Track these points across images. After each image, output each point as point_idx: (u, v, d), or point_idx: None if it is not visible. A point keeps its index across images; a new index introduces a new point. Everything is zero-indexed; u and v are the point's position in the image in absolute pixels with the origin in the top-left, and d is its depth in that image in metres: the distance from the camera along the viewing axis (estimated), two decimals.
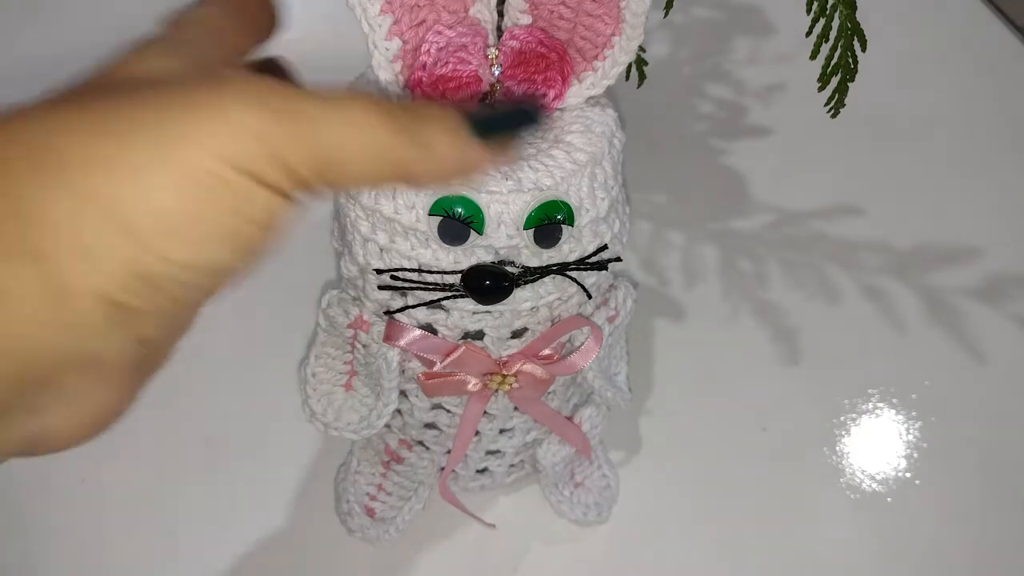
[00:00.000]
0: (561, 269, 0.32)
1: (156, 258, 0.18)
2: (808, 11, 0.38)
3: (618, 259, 0.33)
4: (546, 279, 0.32)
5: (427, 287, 0.31)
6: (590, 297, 0.34)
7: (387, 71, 0.29)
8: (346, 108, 0.20)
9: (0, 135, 0.18)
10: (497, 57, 0.31)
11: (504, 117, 0.23)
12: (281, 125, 0.19)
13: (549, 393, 0.38)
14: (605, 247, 0.32)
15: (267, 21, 0.26)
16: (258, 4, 0.25)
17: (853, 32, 0.38)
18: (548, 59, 0.31)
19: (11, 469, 0.45)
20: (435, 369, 0.34)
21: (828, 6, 0.37)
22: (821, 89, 0.40)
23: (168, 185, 0.18)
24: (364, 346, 0.36)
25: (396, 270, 0.31)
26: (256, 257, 0.20)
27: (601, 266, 0.32)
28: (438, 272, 0.31)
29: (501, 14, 0.31)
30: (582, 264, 0.32)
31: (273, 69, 0.27)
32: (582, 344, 0.34)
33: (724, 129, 0.63)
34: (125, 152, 0.18)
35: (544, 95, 0.31)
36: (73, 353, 0.18)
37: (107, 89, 0.20)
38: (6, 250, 0.17)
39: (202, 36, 0.24)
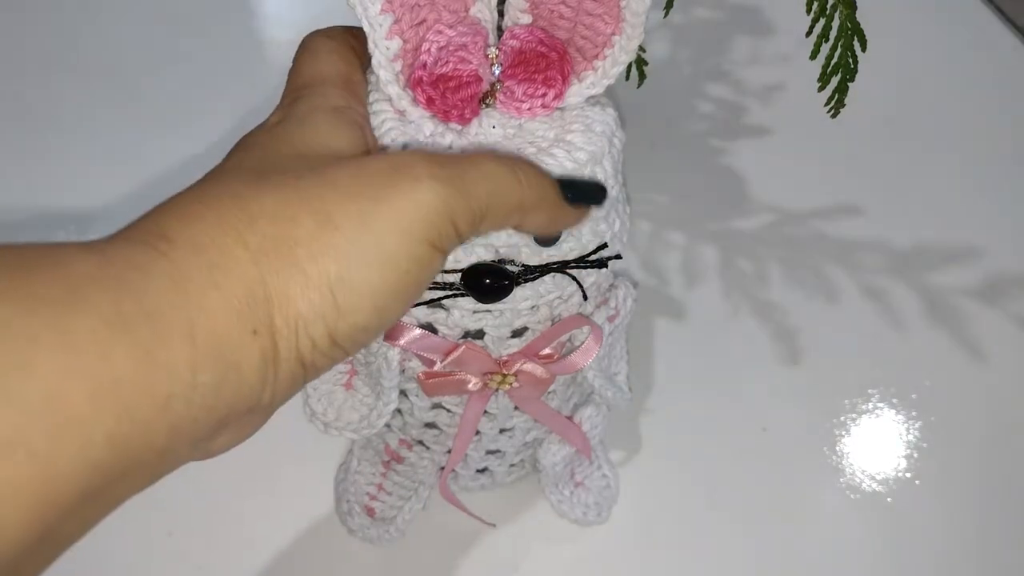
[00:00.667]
0: (561, 267, 0.32)
1: (348, 325, 0.22)
2: (808, 11, 0.38)
3: (618, 257, 0.33)
4: (546, 278, 0.32)
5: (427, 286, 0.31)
6: (586, 298, 0.34)
7: (387, 70, 0.29)
8: (484, 165, 0.25)
9: (249, 225, 0.22)
10: (497, 56, 0.31)
11: (584, 188, 0.29)
12: (455, 197, 0.23)
13: (549, 393, 0.38)
14: (605, 245, 0.32)
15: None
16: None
17: (853, 32, 0.38)
18: (548, 58, 0.31)
19: None
20: (435, 368, 0.34)
21: (828, 6, 0.37)
22: (821, 89, 0.40)
23: (371, 265, 0.22)
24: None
25: None
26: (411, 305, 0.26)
27: (601, 264, 0.32)
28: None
29: (501, 13, 0.31)
30: (582, 262, 0.32)
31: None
32: (582, 343, 0.34)
33: (724, 129, 0.63)
34: (338, 240, 0.22)
35: (531, 106, 0.32)
36: (264, 402, 0.23)
37: (309, 171, 0.24)
38: (251, 321, 0.21)
39: (349, 97, 0.28)
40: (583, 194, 0.29)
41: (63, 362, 0.18)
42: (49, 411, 0.18)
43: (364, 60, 0.30)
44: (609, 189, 0.32)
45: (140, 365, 0.19)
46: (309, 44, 0.29)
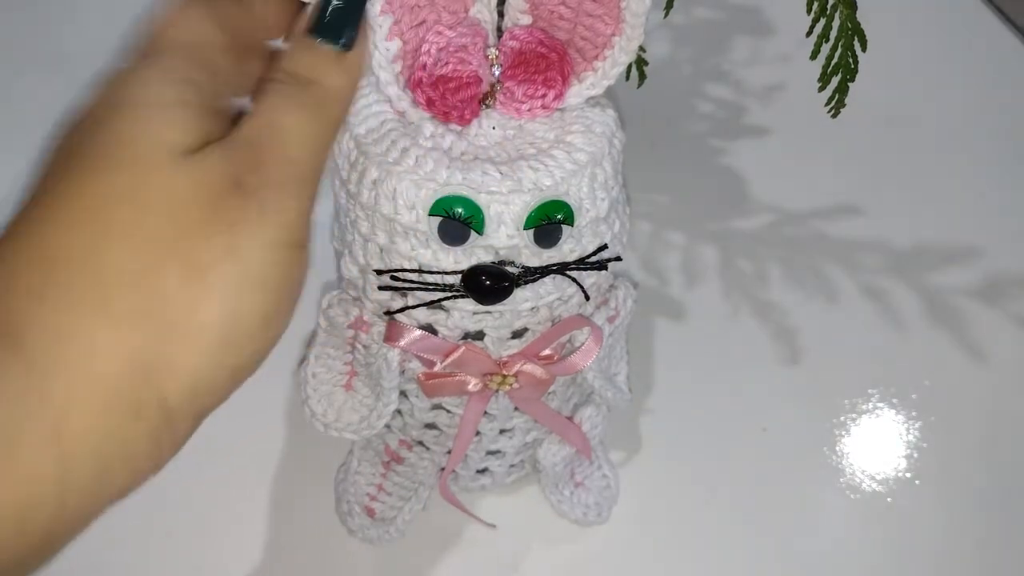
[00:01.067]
0: (561, 269, 0.32)
1: (240, 357, 0.22)
2: (808, 11, 0.38)
3: (618, 259, 0.33)
4: (546, 279, 0.32)
5: (427, 287, 0.31)
6: (588, 299, 0.34)
7: (387, 71, 0.29)
8: (275, 137, 0.23)
9: (101, 289, 0.19)
10: (497, 57, 0.31)
11: (340, 12, 0.25)
12: (300, 190, 0.23)
13: (549, 393, 0.38)
14: (605, 247, 0.32)
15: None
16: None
17: (853, 32, 0.38)
18: (548, 59, 0.31)
19: None
20: (435, 369, 0.34)
21: (828, 6, 0.37)
22: (821, 89, 0.40)
23: (258, 295, 0.22)
24: (364, 347, 0.36)
25: (396, 270, 0.31)
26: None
27: (601, 266, 0.32)
28: (438, 272, 0.31)
29: (501, 14, 0.31)
30: (582, 264, 0.32)
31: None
32: (582, 344, 0.34)
33: (724, 129, 0.63)
34: (219, 282, 0.21)
35: (531, 107, 0.32)
36: (158, 470, 0.23)
37: (157, 211, 0.21)
38: (132, 404, 0.20)
39: (201, 72, 0.24)
40: (331, 19, 0.24)
41: None
42: None
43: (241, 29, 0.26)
44: (609, 190, 0.32)
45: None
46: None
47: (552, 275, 0.32)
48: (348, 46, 0.25)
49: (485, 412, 0.37)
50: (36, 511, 0.19)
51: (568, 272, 0.32)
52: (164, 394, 0.20)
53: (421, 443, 0.40)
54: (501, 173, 0.29)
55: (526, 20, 0.31)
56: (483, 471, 0.42)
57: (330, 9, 0.25)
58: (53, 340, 0.19)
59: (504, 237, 0.30)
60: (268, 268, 0.21)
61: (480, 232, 0.29)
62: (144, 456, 0.21)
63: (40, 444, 0.18)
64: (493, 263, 0.30)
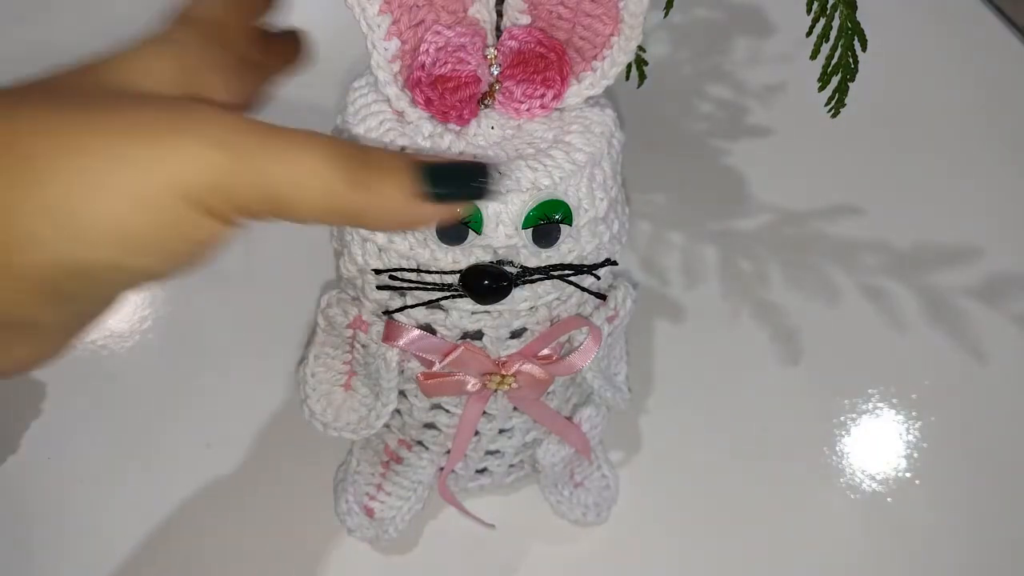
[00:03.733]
0: (560, 276, 0.32)
1: (97, 258, 0.21)
2: (808, 11, 0.38)
3: (614, 263, 0.33)
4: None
5: (426, 287, 0.31)
6: (596, 295, 0.34)
7: (385, 71, 0.29)
8: (300, 150, 0.22)
9: None
10: (496, 57, 0.31)
11: (457, 176, 0.25)
12: (235, 164, 0.21)
13: (549, 393, 0.38)
14: (609, 261, 0.32)
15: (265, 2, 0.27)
16: None
17: (853, 32, 0.38)
18: (547, 59, 0.31)
19: (11, 469, 0.45)
20: (434, 369, 0.34)
21: (828, 6, 0.37)
22: (821, 89, 0.40)
23: (121, 203, 0.20)
24: (363, 346, 0.36)
25: (395, 270, 0.31)
26: (193, 265, 0.23)
27: (594, 267, 0.32)
28: (436, 272, 0.31)
29: (500, 14, 0.31)
30: (579, 268, 0.32)
31: (289, 40, 0.29)
32: (581, 344, 0.34)
33: (724, 129, 0.63)
34: (89, 168, 0.20)
35: (530, 107, 0.31)
36: (7, 317, 0.21)
37: (89, 95, 0.22)
38: None
39: (195, 36, 0.25)
40: (453, 186, 0.24)
41: None
42: None
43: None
44: (608, 190, 0.32)
45: None
46: None
47: (550, 278, 0.32)
48: (438, 198, 0.24)
49: (484, 412, 0.37)
50: None
51: (563, 277, 0.32)
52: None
53: (420, 443, 0.40)
54: (500, 173, 0.29)
55: (525, 20, 0.31)
56: (482, 471, 0.42)
57: (451, 171, 0.25)
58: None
59: (502, 237, 0.30)
60: (157, 200, 0.21)
61: (478, 231, 0.29)
62: None
63: None
64: (491, 263, 0.30)
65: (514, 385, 0.35)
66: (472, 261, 0.30)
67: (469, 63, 0.30)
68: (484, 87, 0.31)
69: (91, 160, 0.20)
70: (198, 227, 0.22)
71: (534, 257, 0.31)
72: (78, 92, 0.22)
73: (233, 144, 0.21)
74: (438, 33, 0.30)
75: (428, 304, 0.32)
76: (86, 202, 0.20)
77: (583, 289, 0.33)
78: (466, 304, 0.32)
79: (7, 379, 0.24)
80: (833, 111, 0.40)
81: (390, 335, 0.33)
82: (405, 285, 0.32)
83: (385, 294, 0.33)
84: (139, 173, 0.20)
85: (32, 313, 0.21)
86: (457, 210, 0.25)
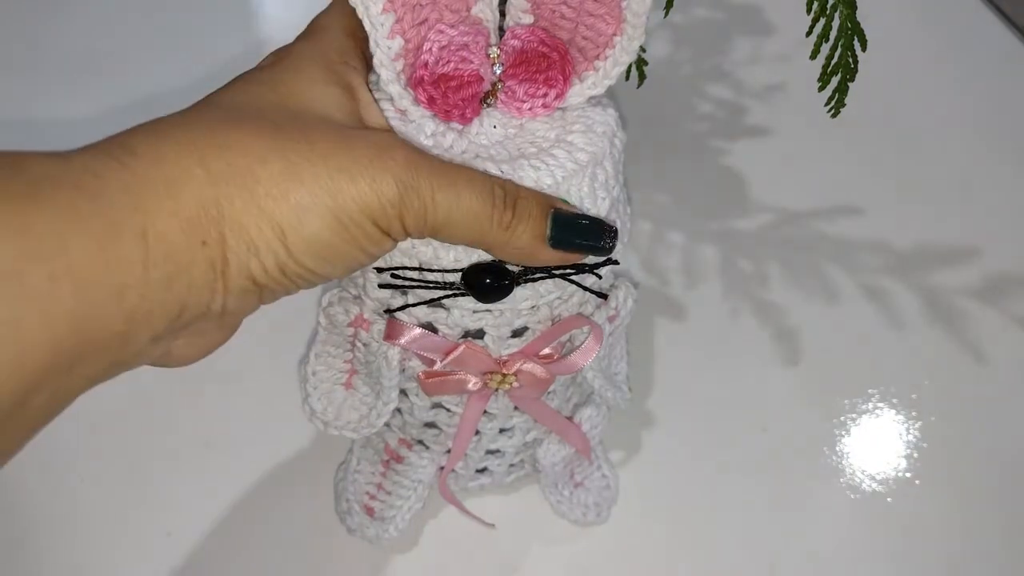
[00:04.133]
0: (563, 275, 0.32)
1: (296, 264, 0.25)
2: (808, 11, 0.38)
3: (615, 262, 0.33)
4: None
5: (427, 285, 0.31)
6: (605, 297, 0.34)
7: (388, 69, 0.29)
8: (462, 188, 0.27)
9: (216, 152, 0.24)
10: (499, 56, 0.31)
11: (582, 232, 0.29)
12: (414, 202, 0.26)
13: (549, 393, 0.38)
14: (610, 261, 0.32)
15: None
16: None
17: (853, 32, 0.38)
18: (550, 58, 0.31)
19: (11, 469, 0.45)
20: (435, 368, 0.34)
21: (828, 6, 0.37)
22: (821, 89, 0.40)
23: (322, 223, 0.25)
24: (364, 345, 0.36)
25: (396, 268, 0.31)
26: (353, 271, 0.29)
27: (596, 267, 0.32)
28: (438, 270, 0.31)
29: (503, 13, 0.31)
30: (580, 267, 0.32)
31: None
32: (582, 343, 0.34)
33: (724, 129, 0.63)
34: (304, 198, 0.25)
35: (532, 106, 0.32)
36: (216, 308, 0.25)
37: (287, 121, 0.26)
38: (201, 233, 0.23)
39: (350, 58, 0.30)
40: (575, 240, 0.29)
41: (21, 246, 0.20)
42: (9, 285, 0.20)
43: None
44: (610, 190, 0.32)
45: (95, 255, 0.21)
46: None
47: (552, 277, 0.32)
48: (560, 244, 0.29)
49: (485, 411, 0.37)
50: (126, 293, 0.22)
51: (566, 277, 0.32)
52: (226, 240, 0.24)
53: (421, 442, 0.40)
54: (502, 172, 0.29)
55: (528, 19, 0.31)
56: (483, 470, 0.42)
57: (575, 225, 0.29)
58: (152, 163, 0.23)
59: None
60: (349, 221, 0.25)
61: None
62: (201, 280, 0.24)
63: (132, 237, 0.22)
64: (493, 261, 0.30)
65: (515, 384, 0.35)
66: (474, 259, 0.30)
67: (472, 62, 0.30)
68: (487, 86, 0.31)
69: (306, 192, 0.25)
70: (374, 242, 0.26)
71: None
72: (275, 116, 0.26)
73: (412, 181, 0.26)
74: (441, 32, 0.30)
75: (430, 303, 0.32)
76: (300, 223, 0.25)
77: (585, 288, 0.33)
78: (468, 303, 0.32)
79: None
80: (833, 111, 0.40)
81: (391, 334, 0.33)
82: (407, 284, 0.31)
83: (387, 292, 0.33)
84: (339, 201, 0.25)
85: (232, 307, 0.25)
86: (571, 256, 0.30)
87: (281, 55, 0.29)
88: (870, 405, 0.49)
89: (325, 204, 0.25)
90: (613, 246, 0.29)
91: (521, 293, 0.32)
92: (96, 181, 0.22)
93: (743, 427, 0.48)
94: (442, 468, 0.41)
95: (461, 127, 0.31)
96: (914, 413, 0.49)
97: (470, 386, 0.34)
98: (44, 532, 0.43)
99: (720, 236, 0.56)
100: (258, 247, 0.24)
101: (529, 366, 0.34)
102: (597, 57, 0.31)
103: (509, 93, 0.31)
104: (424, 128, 0.30)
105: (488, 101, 0.31)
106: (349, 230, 0.25)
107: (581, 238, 0.29)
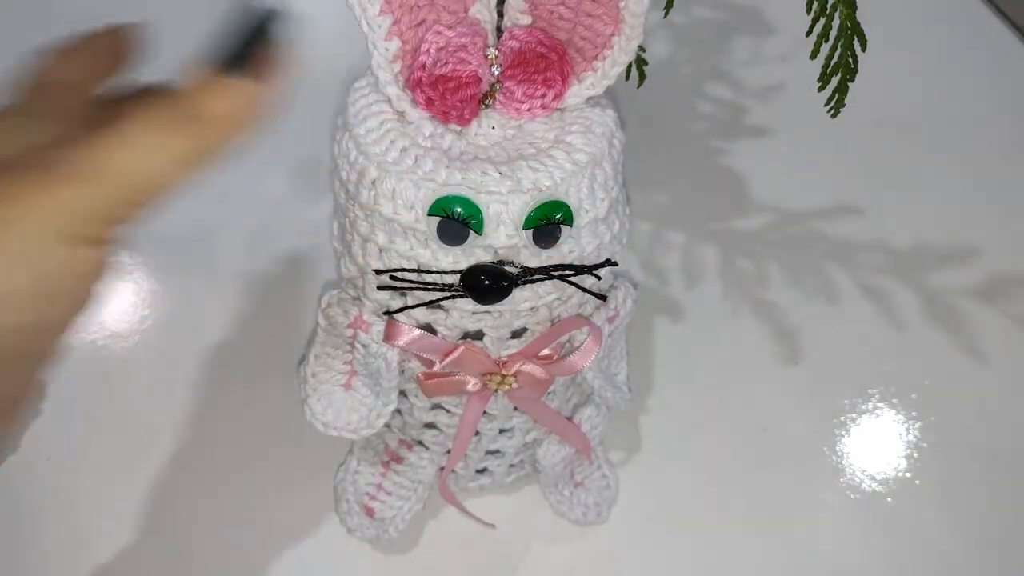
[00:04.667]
0: (560, 276, 0.32)
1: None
2: (808, 11, 0.38)
3: (614, 263, 0.33)
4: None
5: (426, 287, 0.31)
6: (604, 298, 0.34)
7: (386, 71, 0.29)
8: (139, 139, 0.23)
9: None
10: (497, 57, 0.31)
11: (240, 42, 0.24)
12: (94, 189, 0.22)
13: (549, 393, 0.38)
14: (609, 262, 0.32)
15: (123, 49, 0.28)
16: (111, 42, 0.27)
17: (853, 32, 0.38)
18: (548, 59, 0.31)
19: (11, 469, 0.45)
20: (435, 369, 0.34)
21: (828, 6, 0.37)
22: (821, 89, 0.40)
23: (21, 273, 0.21)
24: (364, 346, 0.36)
25: (395, 270, 0.31)
26: (85, 304, 0.24)
27: (595, 268, 0.32)
28: (437, 272, 0.31)
29: (501, 14, 0.31)
30: (580, 269, 0.32)
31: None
32: (582, 344, 0.34)
33: (724, 129, 0.63)
34: None
35: (531, 107, 0.31)
36: None
37: None
38: None
39: (52, 103, 0.25)
40: (239, 50, 0.24)
41: None
42: None
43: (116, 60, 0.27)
44: (609, 191, 0.32)
45: None
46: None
47: (550, 279, 0.32)
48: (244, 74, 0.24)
49: (485, 412, 0.37)
50: None
51: (563, 277, 0.32)
52: None
53: (420, 443, 0.40)
54: (500, 173, 0.29)
55: (526, 20, 0.31)
56: (483, 471, 0.42)
57: (238, 49, 0.24)
58: None
59: (503, 237, 0.30)
60: (41, 251, 0.22)
61: (479, 232, 0.29)
62: None
63: None
64: (492, 263, 0.30)
65: (514, 385, 0.35)
66: (473, 261, 0.30)
67: (470, 63, 0.30)
68: (485, 87, 0.31)
69: None
70: (80, 260, 0.23)
71: (535, 257, 0.31)
72: None
73: (89, 174, 0.22)
74: (439, 33, 0.30)
75: (429, 304, 0.32)
76: None
77: (584, 290, 0.33)
78: (467, 304, 0.32)
79: None
80: (833, 111, 0.40)
81: (391, 335, 0.33)
82: (406, 285, 0.32)
83: (386, 294, 0.33)
84: (16, 232, 0.21)
85: None
86: (267, 70, 0.24)
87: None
88: (870, 405, 0.49)
89: (9, 247, 0.22)
90: (267, 20, 0.24)
91: (520, 295, 0.32)
92: None
93: (743, 427, 0.48)
94: (442, 469, 0.41)
95: (459, 128, 0.31)
96: (914, 413, 0.49)
97: (469, 387, 0.34)
98: (43, 532, 0.43)
99: (720, 236, 0.56)
100: None
101: (528, 367, 0.34)
102: (595, 58, 0.31)
103: (507, 94, 0.31)
104: (422, 129, 0.30)
105: (486, 102, 0.32)
106: (41, 263, 0.22)
107: (242, 43, 0.24)
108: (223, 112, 0.24)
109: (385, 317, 0.33)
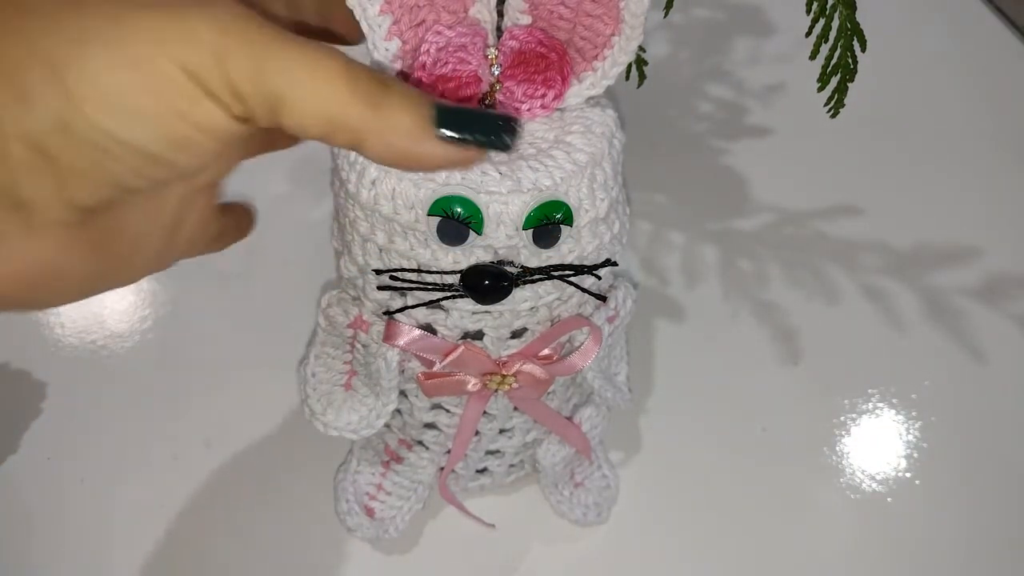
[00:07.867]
0: (560, 276, 0.32)
1: (84, 119, 0.19)
2: (808, 11, 0.38)
3: (614, 263, 0.33)
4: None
5: (426, 287, 0.31)
6: (597, 296, 0.34)
7: (386, 71, 0.29)
8: (315, 57, 0.21)
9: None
10: (497, 57, 0.31)
11: (476, 121, 0.23)
12: (241, 50, 0.20)
13: (549, 393, 0.38)
14: (609, 262, 0.32)
15: None
16: None
17: (853, 32, 0.38)
18: (548, 59, 0.31)
19: (11, 469, 0.45)
20: (435, 369, 0.34)
21: (828, 6, 0.37)
22: (821, 89, 0.40)
23: (108, 60, 0.19)
24: (364, 346, 0.36)
25: (395, 270, 0.31)
26: (195, 161, 0.21)
27: (595, 268, 0.32)
28: (437, 272, 0.31)
29: (501, 14, 0.31)
30: (580, 269, 0.32)
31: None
32: (582, 344, 0.34)
33: (724, 129, 0.63)
34: (89, 27, 0.19)
35: (531, 107, 0.31)
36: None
37: None
38: None
39: None
40: (467, 129, 0.22)
41: None
42: None
43: None
44: (609, 191, 0.32)
45: None
46: None
47: (551, 279, 0.32)
48: (460, 136, 0.23)
49: (484, 412, 0.37)
50: None
51: (564, 278, 0.32)
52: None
53: (421, 443, 0.40)
54: (500, 173, 0.29)
55: (526, 20, 0.31)
56: (482, 471, 0.42)
57: (470, 116, 0.23)
58: None
59: (503, 237, 0.30)
60: (131, 58, 0.20)
61: (479, 232, 0.29)
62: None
63: None
64: (492, 263, 0.30)
65: (514, 385, 0.35)
66: (473, 261, 0.30)
67: (470, 63, 0.30)
68: (485, 87, 0.31)
69: (91, 19, 0.19)
70: (196, 104, 0.20)
71: (535, 257, 0.31)
72: None
73: (241, 33, 0.20)
74: (439, 33, 0.30)
75: (429, 304, 0.32)
76: (77, 61, 0.19)
77: (583, 290, 0.33)
78: (467, 304, 0.32)
79: (11, 304, 0.22)
80: (833, 111, 0.40)
81: (391, 335, 0.33)
82: (406, 285, 0.32)
83: (386, 294, 0.33)
84: (138, 42, 0.19)
85: (23, 189, 0.20)
86: (466, 154, 0.23)
87: None
88: (870, 405, 0.49)
89: (112, 36, 0.19)
90: (512, 142, 0.23)
91: (520, 294, 0.32)
92: None
93: (743, 427, 0.48)
94: (442, 469, 0.41)
95: None
96: (914, 413, 0.49)
97: (469, 387, 0.34)
98: (44, 533, 0.43)
99: (720, 236, 0.56)
100: (33, 100, 0.19)
101: (528, 367, 0.34)
102: (595, 58, 0.31)
103: (507, 94, 0.31)
104: None
105: (486, 102, 0.31)
106: (154, 79, 0.19)
107: (475, 127, 0.23)
108: (401, 131, 0.22)
109: (385, 317, 0.33)
